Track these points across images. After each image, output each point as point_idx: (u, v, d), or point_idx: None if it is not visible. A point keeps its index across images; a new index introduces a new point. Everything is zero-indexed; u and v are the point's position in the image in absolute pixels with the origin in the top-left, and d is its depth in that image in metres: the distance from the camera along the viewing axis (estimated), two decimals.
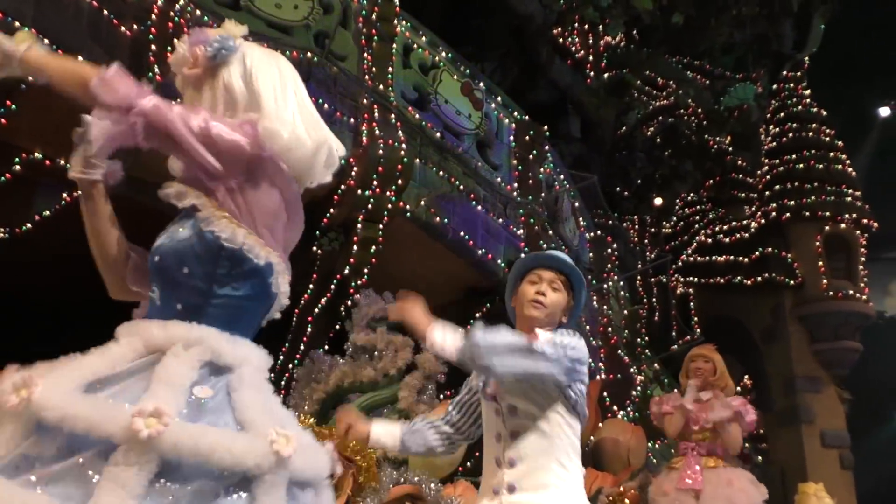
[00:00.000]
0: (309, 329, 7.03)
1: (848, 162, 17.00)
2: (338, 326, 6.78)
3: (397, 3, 7.88)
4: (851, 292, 15.87)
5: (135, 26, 5.72)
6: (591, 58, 15.52)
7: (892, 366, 20.46)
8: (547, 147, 9.69)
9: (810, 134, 16.83)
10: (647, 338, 13.79)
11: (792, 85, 17.51)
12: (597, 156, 15.33)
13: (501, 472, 2.95)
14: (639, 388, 10.54)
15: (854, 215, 16.26)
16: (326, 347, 6.51)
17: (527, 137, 9.25)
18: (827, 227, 16.09)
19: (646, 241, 18.65)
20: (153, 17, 5.80)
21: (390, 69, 7.64)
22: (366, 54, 7.46)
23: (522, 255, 8.45)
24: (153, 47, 5.60)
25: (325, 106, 6.84)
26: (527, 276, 3.22)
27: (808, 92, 17.49)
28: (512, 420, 3.02)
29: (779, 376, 15.94)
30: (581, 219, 10.88)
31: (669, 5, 13.88)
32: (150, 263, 2.10)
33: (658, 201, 17.82)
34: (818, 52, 17.80)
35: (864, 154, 21.98)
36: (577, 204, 10.77)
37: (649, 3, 13.26)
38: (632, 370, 10.67)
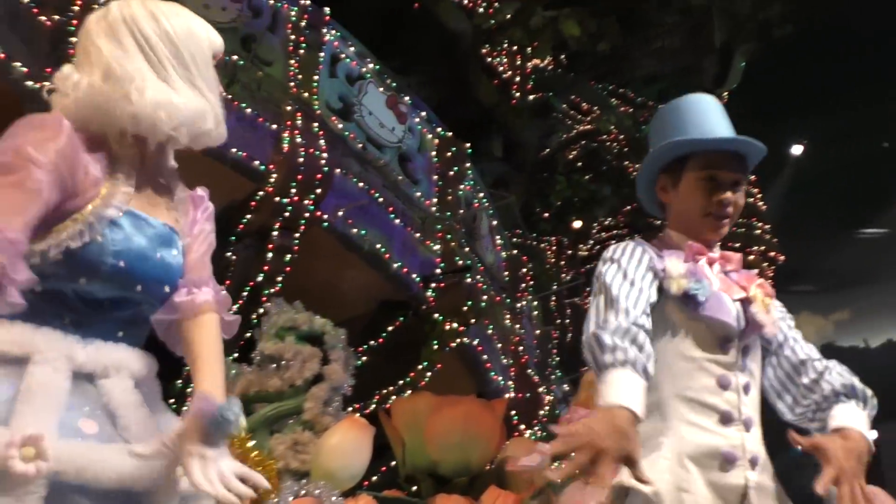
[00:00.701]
0: None
1: (760, 196, 17.53)
2: (248, 335, 6.71)
3: (328, 12, 7.87)
4: None
5: (55, 17, 5.60)
6: (517, 79, 15.69)
7: None
8: (468, 165, 9.76)
9: None
10: (558, 358, 13.95)
11: None
12: (518, 176, 15.48)
13: (739, 433, 2.21)
14: (547, 408, 10.65)
15: (763, 248, 16.76)
16: (236, 355, 6.43)
17: (449, 154, 9.30)
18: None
19: (562, 262, 18.86)
20: (75, 7, 5.68)
21: (316, 77, 7.61)
22: (292, 61, 7.42)
23: (439, 269, 8.48)
24: (73, 39, 5.48)
25: (248, 110, 6.78)
26: (691, 161, 2.34)
27: None
28: (749, 365, 2.30)
29: None
30: (498, 237, 10.98)
31: (597, 33, 14.13)
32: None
33: (577, 224, 18.05)
34: (737, 89, 18.32)
35: (775, 189, 22.69)
36: (494, 223, 10.86)
37: (576, 29, 13.49)
38: (541, 390, 10.78)
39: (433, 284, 8.41)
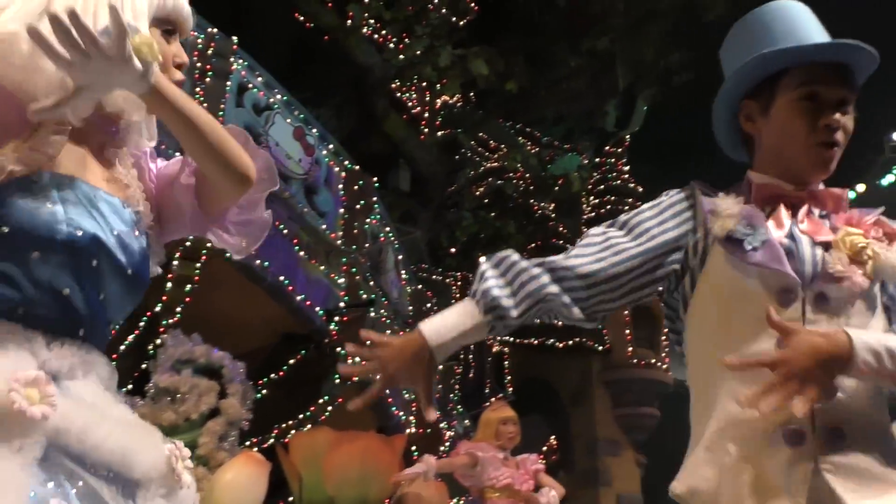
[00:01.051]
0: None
1: None
2: (143, 366, 6.55)
3: (235, 41, 7.81)
4: (653, 361, 16.69)
5: None
6: (426, 115, 15.82)
7: (687, 433, 21.58)
8: (375, 198, 9.77)
9: (626, 208, 17.70)
10: (460, 394, 13.99)
11: (613, 160, 18.44)
12: (424, 211, 15.57)
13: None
14: (447, 444, 10.65)
15: (660, 287, 17.16)
16: (130, 387, 6.26)
17: (356, 187, 9.29)
18: None
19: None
20: None
21: (222, 106, 7.53)
22: (198, 89, 7.32)
23: (343, 303, 8.43)
24: None
25: None
26: (784, 83, 1.87)
27: (627, 168, 18.46)
28: (829, 318, 1.79)
29: (582, 438, 16.48)
30: (403, 272, 10.98)
31: (505, 73, 14.38)
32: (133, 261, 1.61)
33: (483, 260, 18.16)
34: (640, 132, 18.80)
35: None
36: (400, 257, 10.87)
37: (485, 68, 13.71)
38: (442, 426, 10.78)
39: (337, 318, 8.35)
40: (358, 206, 9.28)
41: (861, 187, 23.95)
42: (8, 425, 1.29)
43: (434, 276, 15.52)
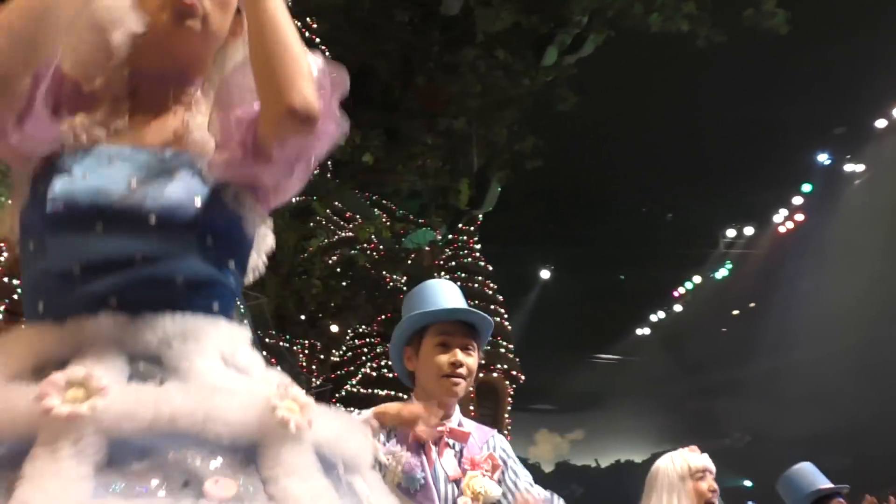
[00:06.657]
0: None
1: (506, 316, 18.31)
2: None
3: None
4: None
5: None
6: None
7: None
8: None
9: (476, 286, 18.01)
10: None
11: (465, 238, 18.75)
12: (273, 277, 15.40)
13: None
14: None
15: (505, 366, 17.44)
16: None
17: None
18: (480, 374, 17.02)
19: (314, 366, 18.72)
20: None
21: None
22: None
23: None
24: None
25: None
26: (428, 333, 2.64)
27: (478, 246, 18.80)
28: None
29: None
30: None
31: (362, 145, 14.52)
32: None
33: (334, 328, 18.06)
34: (493, 212, 19.27)
35: (521, 311, 23.77)
36: (246, 322, 10.69)
37: (342, 139, 13.78)
38: None
39: None
40: None
41: (697, 279, 25.23)
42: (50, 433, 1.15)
43: (281, 343, 15.26)
